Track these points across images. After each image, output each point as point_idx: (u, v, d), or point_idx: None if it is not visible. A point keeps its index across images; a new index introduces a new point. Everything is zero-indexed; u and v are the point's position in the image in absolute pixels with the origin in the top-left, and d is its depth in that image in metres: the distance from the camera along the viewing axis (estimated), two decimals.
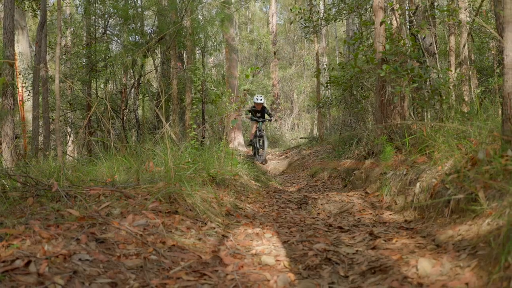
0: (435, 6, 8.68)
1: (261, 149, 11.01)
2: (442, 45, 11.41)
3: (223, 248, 2.78)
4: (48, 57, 12.45)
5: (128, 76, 12.07)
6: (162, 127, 5.61)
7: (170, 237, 2.69)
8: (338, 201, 5.03)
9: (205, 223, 3.22)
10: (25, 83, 12.28)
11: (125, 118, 11.15)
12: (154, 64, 12.36)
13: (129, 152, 4.90)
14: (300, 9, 12.66)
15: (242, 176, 5.81)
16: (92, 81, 12.08)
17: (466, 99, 8.10)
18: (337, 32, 27.39)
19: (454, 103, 6.63)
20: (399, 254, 2.58)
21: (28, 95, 11.78)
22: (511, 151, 2.71)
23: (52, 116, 10.84)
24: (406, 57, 6.29)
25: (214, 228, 3.17)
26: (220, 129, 14.09)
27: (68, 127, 13.35)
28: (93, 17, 12.18)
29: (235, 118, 9.37)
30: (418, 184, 3.98)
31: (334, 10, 11.60)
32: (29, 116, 12.13)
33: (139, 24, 11.98)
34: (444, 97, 6.34)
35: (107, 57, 11.82)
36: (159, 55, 13.13)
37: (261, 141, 11.05)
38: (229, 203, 4.14)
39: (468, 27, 9.88)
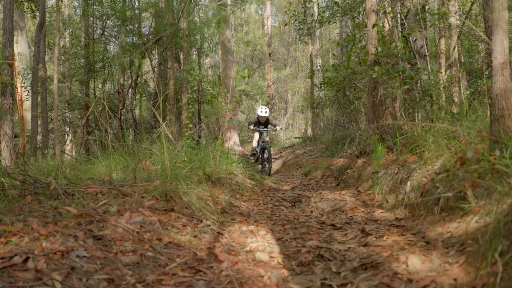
0: (426, 10, 8.72)
1: (266, 163, 9.86)
2: (432, 48, 11.46)
3: (218, 245, 2.78)
4: (46, 58, 12.40)
5: (126, 77, 12.05)
6: (159, 127, 5.61)
7: (166, 234, 2.68)
8: (331, 199, 5.04)
9: (201, 221, 3.22)
10: (24, 83, 12.23)
11: (122, 117, 11.12)
12: (151, 64, 12.33)
13: (126, 151, 4.90)
14: (295, 11, 12.68)
15: (237, 174, 5.81)
16: (90, 81, 12.04)
17: (456, 100, 8.14)
18: (331, 34, 27.41)
19: (444, 104, 6.65)
20: (390, 251, 2.59)
21: (27, 94, 11.74)
22: (499, 150, 2.73)
23: (51, 116, 10.80)
24: (398, 59, 6.31)
25: (210, 225, 3.17)
26: (216, 128, 14.07)
27: (67, 126, 13.29)
28: (91, 19, 12.14)
29: (230, 118, 9.37)
30: (408, 183, 3.99)
31: (327, 12, 11.60)
32: (28, 115, 12.08)
33: (136, 25, 11.94)
34: (434, 98, 6.36)
35: (105, 58, 11.78)
36: (156, 56, 13.11)
37: (265, 154, 9.90)
38: (224, 201, 4.14)
39: (458, 30, 9.92)
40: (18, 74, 12.23)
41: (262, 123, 10.22)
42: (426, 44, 8.47)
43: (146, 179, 3.75)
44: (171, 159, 4.07)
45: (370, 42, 6.45)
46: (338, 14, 11.39)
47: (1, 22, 10.62)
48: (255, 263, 2.53)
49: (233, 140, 15.80)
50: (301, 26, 13.33)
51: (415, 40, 8.12)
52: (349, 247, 2.86)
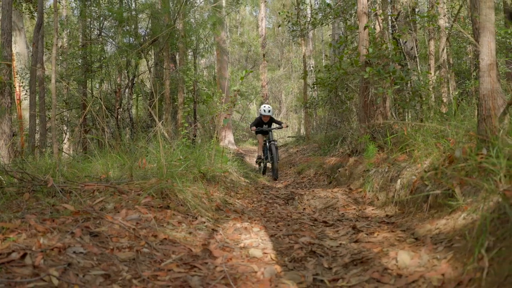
0: (416, 12, 8.74)
1: (272, 163, 8.57)
2: (422, 49, 11.50)
3: (213, 242, 2.78)
4: (44, 58, 12.32)
5: (123, 77, 11.99)
6: (155, 126, 5.59)
7: (161, 231, 2.68)
8: (323, 197, 5.05)
9: (196, 218, 3.22)
10: (22, 82, 12.15)
11: (119, 117, 11.08)
12: (147, 65, 12.30)
13: (123, 150, 4.88)
14: (288, 13, 12.69)
15: (231, 173, 5.81)
16: (87, 81, 11.98)
17: (445, 101, 8.18)
18: (323, 35, 27.45)
19: (433, 104, 6.68)
20: (380, 247, 2.60)
21: (25, 94, 11.67)
22: (486, 149, 2.74)
23: (49, 115, 10.74)
24: (389, 60, 6.33)
25: (204, 222, 3.17)
26: (211, 128, 14.05)
27: (64, 125, 13.23)
28: (89, 19, 12.07)
29: (225, 118, 9.36)
30: (399, 180, 4.01)
31: (320, 14, 11.61)
32: (26, 114, 12.00)
33: (133, 26, 11.90)
34: (424, 99, 6.39)
35: (102, 58, 11.73)
36: (153, 57, 13.08)
37: (272, 152, 8.52)
38: (219, 198, 4.14)
39: (446, 32, 9.96)
40: (17, 74, 12.14)
41: (266, 122, 9.25)
42: (416, 46, 8.50)
43: (142, 177, 3.75)
44: (167, 158, 4.06)
45: (362, 44, 6.46)
46: (330, 16, 11.40)
47: None
48: (248, 259, 2.53)
49: (228, 139, 15.80)
50: (294, 28, 13.35)
51: (405, 41, 8.14)
52: (340, 244, 2.87)
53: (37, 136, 9.58)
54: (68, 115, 13.34)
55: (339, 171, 6.50)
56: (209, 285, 1.98)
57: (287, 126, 9.69)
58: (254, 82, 26.37)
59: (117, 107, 11.11)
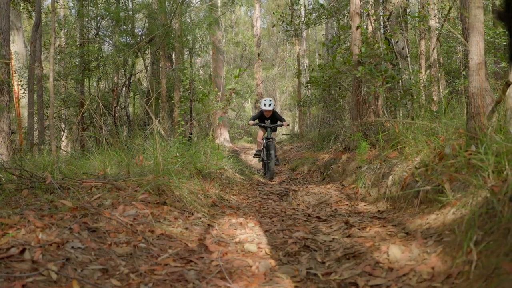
0: (407, 13, 8.76)
1: (270, 163, 7.74)
2: (413, 49, 11.53)
3: (209, 237, 2.78)
4: (42, 57, 12.25)
5: (120, 75, 11.96)
6: (152, 124, 5.58)
7: (158, 227, 2.68)
8: (317, 193, 5.06)
9: (192, 214, 3.22)
10: (20, 81, 12.07)
11: (116, 115, 11.04)
12: (144, 64, 12.25)
13: (120, 147, 4.87)
14: (282, 13, 12.67)
15: (227, 169, 5.81)
16: (85, 80, 11.93)
17: (435, 99, 8.21)
18: (317, 35, 27.45)
19: (424, 102, 6.70)
20: (372, 241, 2.61)
21: (24, 92, 11.59)
22: (475, 146, 2.76)
23: (47, 113, 10.69)
24: (380, 60, 6.34)
25: (200, 218, 3.17)
26: (207, 125, 14.04)
27: (62, 123, 13.17)
28: (86, 19, 12.01)
29: (221, 116, 9.35)
30: (390, 177, 4.02)
31: (314, 15, 11.61)
32: (24, 112, 11.93)
33: (130, 26, 11.85)
34: (415, 97, 6.41)
35: (99, 57, 11.68)
36: (149, 56, 13.02)
37: (270, 153, 7.78)
38: (215, 194, 4.14)
39: (437, 33, 10.00)
40: (15, 73, 12.06)
41: (267, 117, 8.32)
42: (407, 46, 8.53)
43: (139, 173, 3.74)
44: (163, 155, 4.05)
45: (354, 43, 6.47)
46: (324, 16, 11.41)
47: None
48: (244, 253, 2.53)
49: (223, 136, 15.78)
50: (288, 28, 13.34)
51: (397, 41, 8.16)
52: (333, 238, 2.88)
53: (35, 134, 9.54)
54: (66, 113, 13.28)
55: (332, 167, 6.51)
56: (205, 279, 1.98)
57: (288, 125, 8.56)
58: (249, 81, 26.34)
59: (115, 105, 11.07)
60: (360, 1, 7.07)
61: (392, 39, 7.96)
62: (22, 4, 12.04)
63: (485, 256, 1.65)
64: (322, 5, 11.21)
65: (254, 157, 8.96)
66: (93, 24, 12.29)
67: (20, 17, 13.40)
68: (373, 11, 8.24)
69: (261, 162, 8.85)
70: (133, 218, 2.67)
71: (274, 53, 32.62)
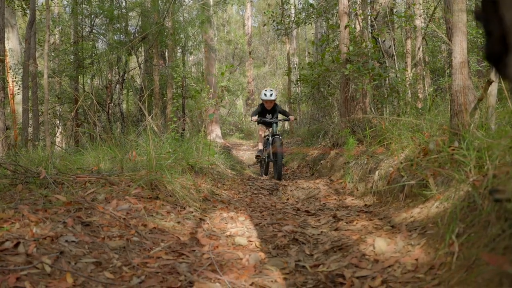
0: (394, 13, 8.80)
1: (275, 161, 6.74)
2: (399, 48, 11.57)
3: (200, 230, 2.79)
4: (37, 54, 12.11)
5: (113, 72, 11.86)
6: (145, 120, 5.55)
7: (151, 221, 2.67)
8: (306, 188, 5.08)
9: (184, 208, 3.21)
10: (15, 77, 11.94)
11: (110, 111, 10.97)
12: (137, 61, 12.16)
13: (114, 143, 4.84)
14: (273, 12, 12.67)
15: (218, 165, 5.80)
16: (79, 77, 11.82)
17: (420, 97, 8.26)
18: (307, 34, 27.45)
19: (410, 100, 6.75)
20: (359, 234, 2.63)
21: (18, 89, 11.46)
22: (458, 142, 2.79)
23: (41, 109, 10.58)
24: (368, 58, 6.36)
25: (192, 212, 3.17)
26: (199, 122, 13.99)
27: (57, 119, 13.05)
28: (80, 17, 11.89)
29: (213, 112, 9.33)
30: (377, 172, 4.05)
31: (304, 14, 11.62)
32: (19, 108, 11.80)
33: (123, 24, 11.75)
34: (401, 95, 6.45)
35: (93, 55, 11.58)
36: (143, 53, 12.93)
37: (276, 152, 6.68)
38: (207, 189, 4.14)
39: (422, 32, 10.06)
40: (10, 69, 11.92)
41: (269, 110, 7.25)
42: (394, 45, 8.56)
43: (132, 169, 3.72)
44: (156, 150, 4.04)
45: (343, 42, 6.49)
46: (313, 16, 11.42)
47: None
48: (234, 246, 2.54)
49: (215, 133, 15.75)
50: (279, 27, 13.34)
51: (384, 40, 8.19)
52: (321, 232, 2.90)
53: (30, 129, 9.44)
54: (60, 109, 13.15)
55: (321, 163, 6.54)
56: (196, 272, 1.99)
57: (295, 119, 7.59)
58: (241, 79, 26.28)
59: (108, 102, 10.99)
60: (348, 1, 7.08)
61: (379, 38, 8.00)
62: (16, 2, 11.88)
63: (466, 248, 1.67)
64: (311, 4, 11.21)
65: (256, 158, 7.65)
66: (87, 22, 12.17)
67: (15, 15, 13.23)
68: (360, 11, 8.26)
69: (263, 164, 7.58)
70: (126, 212, 2.66)
71: (265, 51, 32.59)
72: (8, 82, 11.57)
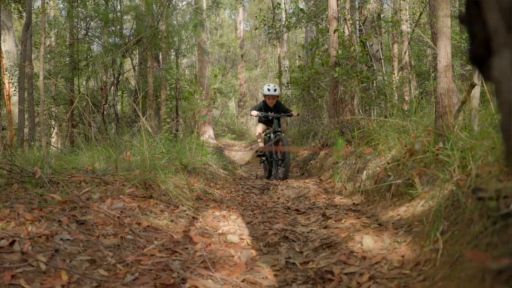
0: (381, 18, 8.85)
1: (282, 160, 6.17)
2: (386, 52, 11.64)
3: (193, 229, 2.78)
4: (33, 56, 12.00)
5: (108, 74, 11.78)
6: (139, 121, 5.52)
7: (145, 219, 2.66)
8: (296, 187, 5.08)
9: (177, 207, 3.20)
10: (11, 79, 11.82)
11: (105, 112, 10.89)
12: (132, 63, 12.11)
13: (108, 143, 4.81)
14: (265, 17, 12.67)
15: (211, 165, 5.79)
16: (74, 78, 11.73)
17: (407, 99, 8.31)
18: (297, 38, 27.50)
19: (396, 102, 6.79)
20: (347, 232, 2.64)
21: (14, 90, 11.35)
22: (442, 143, 2.81)
23: (37, 110, 10.48)
24: (356, 61, 6.40)
25: (185, 211, 3.16)
26: (192, 123, 13.94)
27: (52, 120, 12.93)
28: (76, 20, 11.80)
29: (205, 114, 9.30)
30: (364, 172, 4.06)
31: (294, 19, 11.64)
32: (15, 109, 11.68)
33: (118, 27, 11.69)
34: (388, 97, 6.49)
35: (88, 57, 11.50)
36: (137, 56, 12.87)
37: (281, 152, 6.18)
38: (199, 189, 4.13)
39: (408, 37, 10.12)
40: (6, 71, 11.80)
41: (271, 108, 6.62)
42: (381, 49, 8.61)
43: (126, 168, 3.70)
44: (150, 151, 4.02)
45: (332, 46, 6.51)
46: (303, 20, 11.44)
47: None
48: (226, 244, 2.53)
49: (208, 133, 15.70)
50: (270, 31, 13.34)
51: (371, 44, 8.24)
52: (311, 230, 2.90)
53: (26, 130, 9.36)
54: (56, 110, 13.04)
55: (310, 163, 6.54)
56: (189, 269, 1.98)
57: (298, 115, 7.12)
58: (233, 81, 26.25)
59: (103, 103, 10.92)
60: (338, 6, 7.11)
61: (367, 43, 8.04)
62: (13, 5, 11.77)
63: (450, 245, 1.68)
64: (301, 9, 11.24)
65: (257, 157, 7.04)
66: (82, 25, 12.09)
67: (11, 17, 13.11)
68: (349, 16, 8.30)
69: (266, 165, 6.88)
70: (121, 211, 2.64)
71: (257, 54, 32.58)
72: (4, 84, 11.46)
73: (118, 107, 12.53)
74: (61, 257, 1.79)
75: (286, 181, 5.64)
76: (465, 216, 1.71)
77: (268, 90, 6.50)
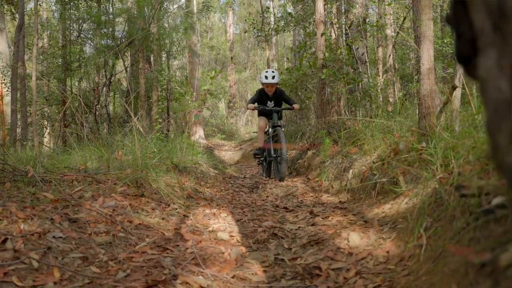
0: (366, 22, 8.90)
1: (278, 157, 5.45)
2: (371, 55, 11.72)
3: (184, 226, 2.76)
4: (26, 57, 11.82)
5: (100, 75, 11.66)
6: (131, 121, 5.47)
7: (136, 217, 2.63)
8: (284, 186, 5.08)
9: (168, 205, 3.18)
10: (4, 79, 11.64)
11: (97, 113, 10.78)
12: (124, 65, 12.01)
13: (100, 143, 4.76)
14: (254, 20, 12.67)
15: (201, 164, 5.76)
16: (67, 79, 11.59)
17: (391, 100, 8.37)
18: (285, 41, 27.55)
19: (381, 103, 6.83)
20: (334, 229, 2.64)
21: (7, 90, 11.18)
22: (425, 142, 2.83)
23: (30, 110, 10.34)
24: (342, 64, 6.42)
25: (176, 209, 3.14)
26: (183, 123, 13.87)
27: (45, 120, 12.77)
28: (68, 22, 11.67)
29: (196, 114, 9.27)
30: (351, 171, 4.08)
31: (282, 22, 11.65)
32: (7, 109, 11.50)
33: (110, 29, 11.58)
34: (373, 98, 6.53)
35: (81, 58, 11.37)
36: (129, 57, 12.77)
37: (281, 148, 5.32)
38: (190, 187, 4.10)
39: (393, 41, 10.20)
40: None
41: (270, 97, 5.77)
42: (366, 52, 8.66)
43: (118, 168, 3.66)
44: (141, 150, 3.98)
45: (319, 49, 6.53)
46: (291, 24, 11.46)
47: None
48: (216, 241, 2.52)
49: (198, 133, 15.65)
50: (259, 34, 13.34)
51: (357, 48, 8.28)
52: (299, 227, 2.90)
53: (18, 130, 9.22)
54: (48, 111, 12.86)
55: (298, 162, 6.55)
56: (180, 265, 1.96)
57: (300, 108, 6.26)
58: (223, 83, 26.18)
59: (95, 103, 10.80)
60: (325, 11, 7.14)
61: (353, 46, 8.07)
62: (5, 6, 11.59)
63: (434, 240, 1.69)
64: (290, 13, 11.25)
65: (254, 157, 6.22)
66: (75, 27, 11.95)
67: (4, 19, 12.91)
68: (336, 20, 8.33)
69: (264, 165, 6.29)
70: (113, 209, 2.61)
71: (246, 57, 32.55)
72: None
73: (110, 107, 12.42)
74: (54, 255, 1.76)
75: (275, 180, 5.63)
76: (448, 212, 1.72)
77: (266, 77, 5.63)
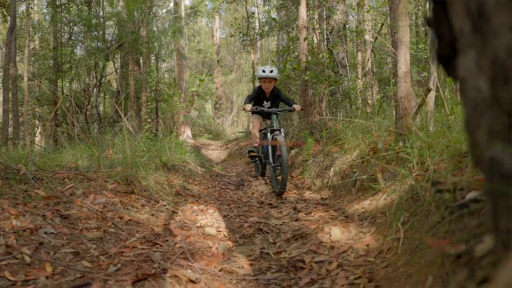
0: (346, 28, 8.96)
1: (279, 167, 4.41)
2: (351, 59, 11.81)
3: (173, 222, 2.73)
4: (17, 58, 11.57)
5: (91, 77, 11.49)
6: (121, 121, 5.40)
7: (127, 213, 2.60)
8: (269, 183, 5.08)
9: (158, 202, 3.15)
10: None
11: (88, 113, 10.62)
12: (114, 67, 11.85)
13: (91, 142, 4.68)
14: (239, 25, 12.65)
15: (189, 163, 5.72)
16: (58, 80, 11.40)
17: (370, 102, 8.45)
18: (270, 45, 27.56)
19: (360, 105, 6.89)
20: (317, 224, 2.65)
21: None
22: (402, 142, 2.86)
23: (21, 110, 10.13)
24: (324, 67, 6.46)
25: (165, 205, 3.11)
26: (171, 123, 13.76)
27: (36, 120, 12.52)
28: (59, 24, 11.47)
29: (185, 115, 9.21)
30: (332, 169, 4.10)
31: (267, 27, 11.66)
32: None
33: (101, 32, 11.42)
34: (352, 100, 6.58)
35: (72, 60, 11.19)
36: (119, 59, 12.62)
37: (281, 154, 4.26)
38: (178, 185, 4.07)
39: (371, 46, 10.30)
40: None
41: (267, 96, 5.13)
42: (346, 56, 8.72)
43: (109, 166, 3.61)
44: (131, 149, 3.94)
45: (302, 52, 6.56)
46: (275, 29, 11.48)
47: None
48: (204, 236, 2.50)
49: (186, 133, 15.54)
50: (245, 38, 13.33)
51: (338, 52, 8.33)
52: (283, 222, 2.90)
53: (10, 129, 9.02)
54: (40, 111, 12.62)
55: None
56: (169, 259, 1.94)
57: (301, 109, 5.26)
58: (210, 85, 26.08)
59: (86, 104, 10.64)
60: (307, 17, 7.16)
61: (334, 50, 8.12)
62: None
63: (411, 234, 1.71)
64: (274, 19, 11.27)
65: (249, 157, 5.56)
66: (66, 29, 11.75)
67: None
68: (318, 26, 8.37)
69: (257, 164, 5.78)
70: (103, 206, 2.57)
71: (232, 60, 32.48)
72: None
73: (101, 108, 12.26)
74: (45, 250, 1.72)
75: (260, 178, 5.61)
76: (424, 207, 1.74)
77: (263, 71, 4.98)
